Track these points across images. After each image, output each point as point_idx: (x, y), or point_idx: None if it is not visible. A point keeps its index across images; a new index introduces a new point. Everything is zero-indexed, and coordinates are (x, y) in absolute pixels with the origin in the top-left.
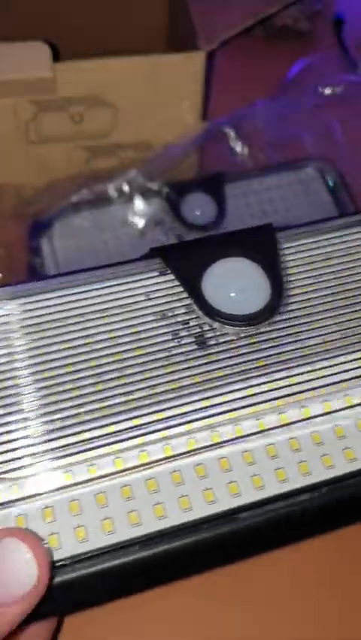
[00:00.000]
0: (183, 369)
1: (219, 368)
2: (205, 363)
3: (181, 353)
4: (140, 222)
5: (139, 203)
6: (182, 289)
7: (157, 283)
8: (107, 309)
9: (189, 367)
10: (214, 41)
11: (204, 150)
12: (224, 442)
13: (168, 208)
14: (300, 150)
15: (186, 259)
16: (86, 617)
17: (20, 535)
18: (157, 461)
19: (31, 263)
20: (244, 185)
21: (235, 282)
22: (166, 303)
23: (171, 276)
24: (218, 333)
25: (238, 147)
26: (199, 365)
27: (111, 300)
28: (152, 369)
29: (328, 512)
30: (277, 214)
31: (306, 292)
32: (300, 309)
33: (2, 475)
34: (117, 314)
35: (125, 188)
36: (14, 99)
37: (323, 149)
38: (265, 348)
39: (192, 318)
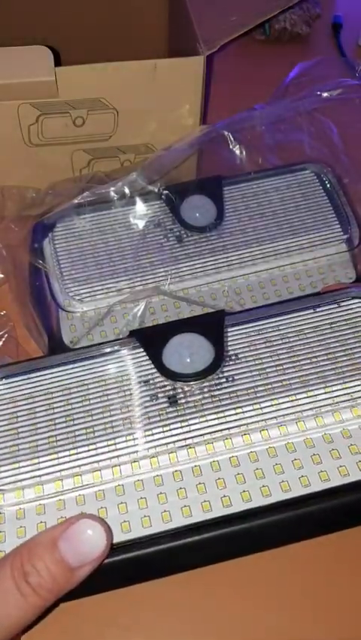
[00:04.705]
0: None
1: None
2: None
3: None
4: (140, 224)
5: (139, 205)
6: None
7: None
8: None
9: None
10: (214, 45)
11: (204, 153)
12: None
13: (168, 210)
14: (298, 153)
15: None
16: (83, 614)
17: (93, 516)
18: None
19: (34, 264)
20: (243, 187)
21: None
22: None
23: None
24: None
25: (237, 150)
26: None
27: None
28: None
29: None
30: (275, 216)
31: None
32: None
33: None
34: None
35: (126, 190)
36: (16, 102)
37: (321, 153)
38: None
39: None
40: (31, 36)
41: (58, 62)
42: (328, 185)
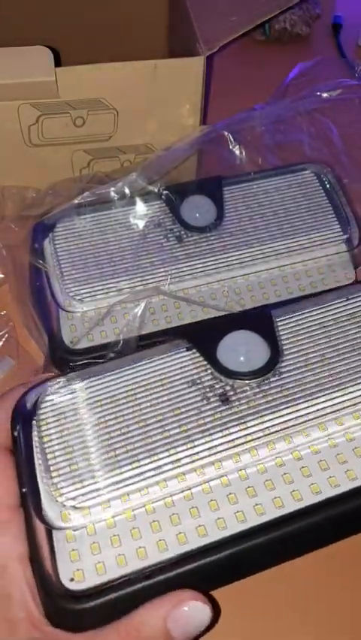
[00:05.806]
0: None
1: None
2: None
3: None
4: (140, 224)
5: (139, 206)
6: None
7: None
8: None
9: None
10: (214, 45)
11: (204, 153)
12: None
13: (168, 210)
14: (298, 154)
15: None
16: None
17: (197, 595)
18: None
19: (34, 264)
20: (243, 187)
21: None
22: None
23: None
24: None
25: (237, 150)
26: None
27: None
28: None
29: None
30: (275, 216)
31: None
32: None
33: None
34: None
35: (126, 190)
36: (16, 103)
37: (321, 153)
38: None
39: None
40: (31, 36)
41: (58, 62)
42: (328, 186)
